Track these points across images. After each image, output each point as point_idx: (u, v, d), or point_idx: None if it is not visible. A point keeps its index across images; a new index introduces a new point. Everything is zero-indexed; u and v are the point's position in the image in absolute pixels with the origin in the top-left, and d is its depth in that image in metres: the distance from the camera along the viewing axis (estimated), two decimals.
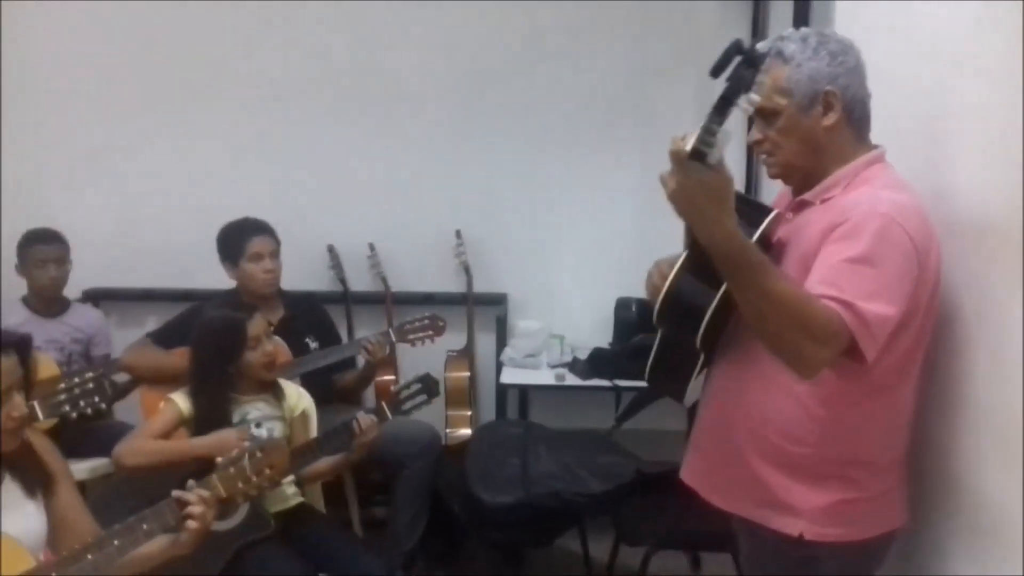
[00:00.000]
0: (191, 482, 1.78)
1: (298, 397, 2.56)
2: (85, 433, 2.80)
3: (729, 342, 1.68)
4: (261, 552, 2.26)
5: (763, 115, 1.62)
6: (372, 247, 3.80)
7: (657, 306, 1.65)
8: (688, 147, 1.38)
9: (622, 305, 3.68)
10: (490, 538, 2.85)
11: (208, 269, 3.18)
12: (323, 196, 3.84)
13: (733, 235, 1.42)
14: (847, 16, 2.21)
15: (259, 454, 1.84)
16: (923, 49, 1.82)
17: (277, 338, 2.86)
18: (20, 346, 1.66)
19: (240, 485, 1.82)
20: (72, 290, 3.44)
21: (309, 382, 2.90)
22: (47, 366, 3.01)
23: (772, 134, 1.63)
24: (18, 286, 3.28)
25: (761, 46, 1.44)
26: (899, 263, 1.47)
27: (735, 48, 1.35)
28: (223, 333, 2.40)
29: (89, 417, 2.47)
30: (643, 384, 1.88)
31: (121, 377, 3.12)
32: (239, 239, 3.08)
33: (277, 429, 2.45)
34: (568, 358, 3.60)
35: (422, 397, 2.57)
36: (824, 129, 1.59)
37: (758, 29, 3.49)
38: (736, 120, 1.61)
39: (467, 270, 3.75)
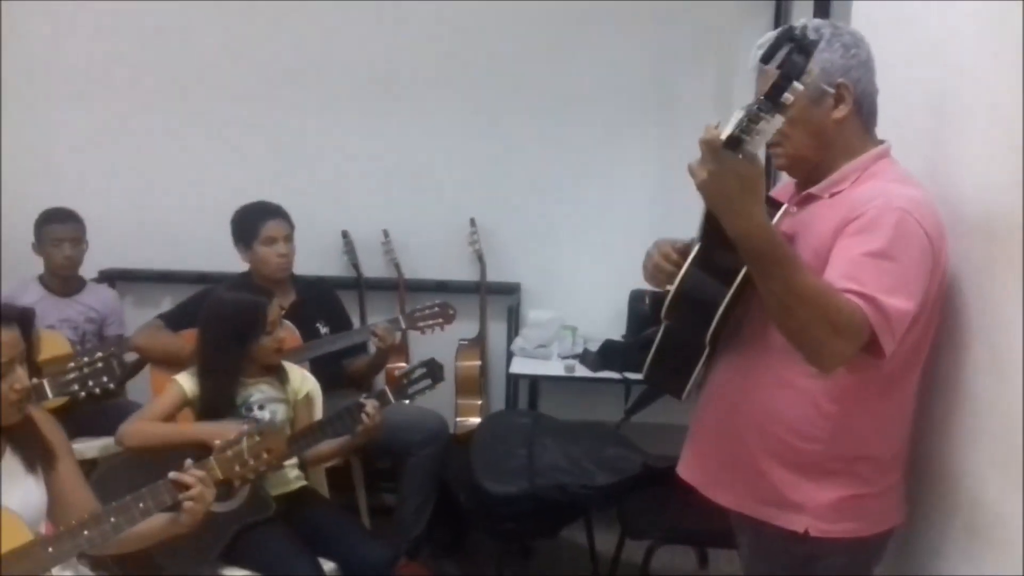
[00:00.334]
0: (188, 462, 1.79)
1: (302, 380, 2.56)
2: (96, 412, 2.83)
3: (735, 337, 1.66)
4: (261, 534, 2.27)
5: None
6: (386, 233, 3.80)
7: (668, 299, 1.63)
8: (723, 135, 1.35)
9: (636, 297, 3.66)
10: (494, 528, 2.85)
11: (223, 252, 3.19)
12: (339, 182, 3.85)
13: (764, 227, 1.40)
14: (863, 13, 2.18)
15: (257, 438, 1.85)
16: (927, 49, 1.80)
17: (287, 322, 2.87)
18: (22, 319, 1.68)
19: (237, 468, 1.83)
20: (89, 270, 3.49)
21: (319, 367, 2.91)
22: (60, 344, 3.05)
23: (781, 125, 1.61)
24: (36, 264, 3.31)
25: (812, 31, 1.40)
26: (916, 258, 1.46)
27: (787, 35, 1.33)
28: (242, 316, 2.39)
29: (100, 396, 2.50)
30: None
31: (132, 357, 3.16)
32: (253, 222, 3.09)
33: (280, 411, 2.45)
34: (580, 349, 3.58)
35: (426, 382, 2.56)
36: (834, 121, 1.57)
37: (780, 22, 3.44)
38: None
39: (481, 259, 3.74)
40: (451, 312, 3.15)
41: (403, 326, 3.11)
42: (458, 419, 3.61)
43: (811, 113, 1.57)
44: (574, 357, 3.54)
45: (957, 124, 1.68)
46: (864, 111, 1.59)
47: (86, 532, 1.66)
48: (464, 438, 3.36)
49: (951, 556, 1.60)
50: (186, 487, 1.76)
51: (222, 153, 3.85)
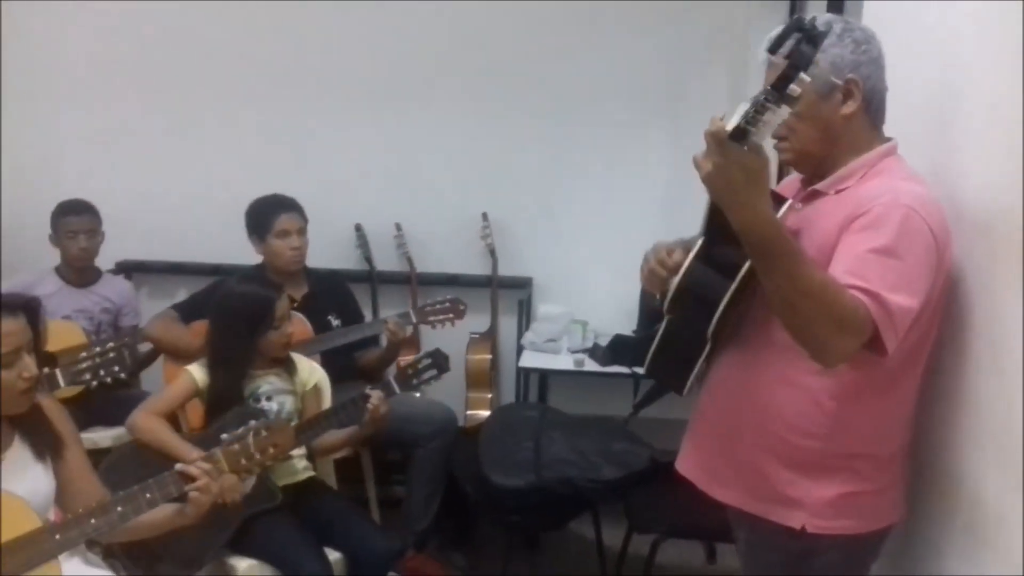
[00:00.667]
0: (195, 454, 1.81)
1: (310, 371, 2.58)
2: (110, 402, 2.86)
3: (736, 334, 1.66)
4: (268, 524, 2.29)
5: None
6: (399, 227, 3.82)
7: (670, 294, 1.63)
8: (729, 127, 1.34)
9: (647, 292, 3.64)
10: (501, 520, 2.86)
11: (238, 245, 3.21)
12: (352, 176, 3.86)
13: (769, 220, 1.39)
14: (873, 12, 2.17)
15: (264, 432, 1.86)
16: (932, 47, 1.79)
17: (298, 314, 2.89)
18: (28, 308, 1.70)
19: (243, 461, 1.85)
20: (106, 262, 3.52)
21: (330, 359, 2.93)
22: (75, 334, 3.08)
23: (789, 119, 1.60)
24: (40, 260, 3.35)
25: (821, 24, 1.40)
26: (921, 255, 1.45)
27: (795, 25, 1.32)
28: (250, 308, 2.41)
29: (113, 386, 2.54)
30: None
31: (146, 346, 3.19)
32: (267, 215, 3.11)
33: (288, 403, 2.47)
34: (590, 344, 3.59)
35: (432, 372, 2.56)
36: (842, 117, 1.56)
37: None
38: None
39: (492, 253, 3.75)
40: (462, 307, 3.15)
41: (414, 320, 3.12)
42: (468, 412, 3.62)
43: (819, 108, 1.56)
44: (584, 351, 3.55)
45: (959, 123, 1.67)
46: (872, 108, 1.58)
47: (93, 520, 1.68)
48: (474, 431, 3.36)
49: (951, 555, 1.60)
50: (192, 479, 1.78)
51: (237, 148, 3.87)
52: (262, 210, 3.14)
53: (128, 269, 3.86)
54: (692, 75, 3.67)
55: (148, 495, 1.75)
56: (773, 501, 1.61)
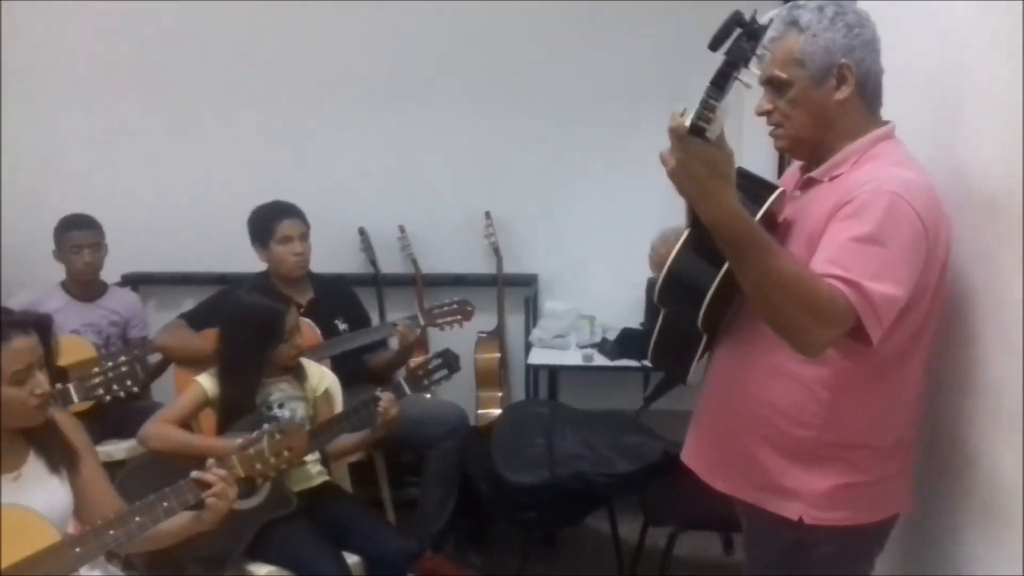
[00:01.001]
0: (210, 461, 1.82)
1: (320, 377, 2.58)
2: (123, 414, 2.87)
3: (731, 324, 1.66)
4: (285, 530, 2.29)
5: (774, 85, 1.58)
6: (402, 229, 3.82)
7: (659, 285, 1.62)
8: (687, 122, 1.34)
9: (654, 285, 3.64)
10: (516, 518, 2.86)
11: (242, 253, 3.21)
12: (354, 179, 3.87)
13: (735, 213, 1.37)
14: None
15: (278, 436, 1.88)
16: (935, 29, 1.78)
17: (306, 320, 2.90)
18: (40, 326, 1.71)
19: (258, 466, 1.86)
20: (111, 274, 3.53)
21: (340, 363, 2.94)
22: (84, 349, 3.09)
23: (782, 105, 1.59)
24: (58, 271, 3.36)
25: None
26: (907, 243, 1.42)
27: (735, 20, 1.31)
28: (260, 323, 2.40)
29: (125, 399, 2.54)
30: None
31: (155, 358, 3.20)
32: (269, 222, 3.12)
33: (299, 409, 2.47)
34: (598, 338, 3.59)
35: (443, 372, 2.55)
36: (836, 103, 1.54)
37: None
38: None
39: (497, 251, 3.75)
40: (469, 309, 3.16)
41: (422, 323, 3.12)
42: (479, 411, 3.63)
43: (812, 94, 1.54)
44: (592, 346, 3.55)
45: (963, 104, 1.65)
46: (868, 92, 1.56)
47: (112, 531, 1.69)
48: (486, 430, 3.37)
49: (969, 538, 1.59)
50: (208, 485, 1.79)
51: (237, 148, 3.88)
52: (264, 217, 3.15)
53: (134, 281, 3.87)
54: (692, 75, 3.64)
55: (165, 504, 1.76)
56: (770, 491, 1.61)
